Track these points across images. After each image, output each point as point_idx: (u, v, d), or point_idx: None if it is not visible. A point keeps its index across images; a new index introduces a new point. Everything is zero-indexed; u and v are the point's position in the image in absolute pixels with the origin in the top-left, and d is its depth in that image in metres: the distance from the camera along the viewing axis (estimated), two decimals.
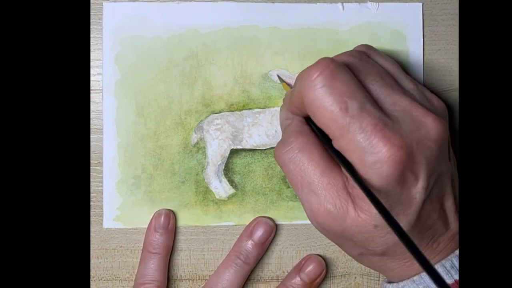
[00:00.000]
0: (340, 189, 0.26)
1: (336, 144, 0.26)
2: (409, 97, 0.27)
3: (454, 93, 0.36)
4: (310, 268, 0.34)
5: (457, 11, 0.36)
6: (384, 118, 0.25)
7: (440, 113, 0.28)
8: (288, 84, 0.34)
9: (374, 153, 0.24)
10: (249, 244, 0.34)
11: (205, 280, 0.35)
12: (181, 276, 0.35)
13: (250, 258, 0.34)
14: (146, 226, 0.35)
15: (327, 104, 0.25)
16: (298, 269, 0.34)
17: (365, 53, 0.30)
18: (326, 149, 0.28)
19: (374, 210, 0.25)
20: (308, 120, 0.29)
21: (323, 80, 0.25)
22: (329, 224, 0.27)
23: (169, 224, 0.34)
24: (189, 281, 0.35)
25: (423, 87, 0.29)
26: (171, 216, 0.34)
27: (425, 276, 0.27)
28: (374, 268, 0.30)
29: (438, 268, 0.27)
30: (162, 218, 0.34)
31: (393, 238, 0.26)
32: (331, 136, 0.26)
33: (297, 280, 0.34)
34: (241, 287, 0.34)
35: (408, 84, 0.28)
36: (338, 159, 0.26)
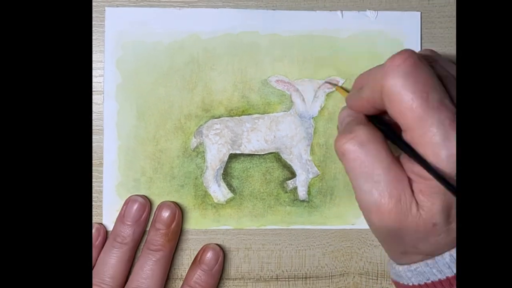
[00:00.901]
0: (406, 185, 0.26)
1: (408, 135, 0.26)
2: None
3: None
4: (208, 256, 0.34)
5: (454, 14, 0.36)
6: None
7: None
8: (340, 87, 0.35)
9: (449, 148, 0.24)
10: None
11: None
12: (181, 275, 0.36)
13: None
14: (146, 228, 0.35)
15: (409, 91, 0.25)
16: (197, 261, 0.34)
17: (432, 56, 0.30)
18: (389, 146, 0.28)
19: (436, 208, 0.26)
20: (372, 118, 0.29)
21: (407, 68, 0.25)
22: (389, 219, 0.27)
23: (141, 217, 0.34)
24: None
25: None
26: (146, 207, 0.34)
27: (439, 260, 0.27)
28: (404, 261, 0.29)
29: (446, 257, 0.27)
30: (135, 208, 0.34)
31: (445, 238, 0.27)
32: (404, 127, 0.26)
33: (199, 272, 0.34)
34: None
35: None
36: (408, 150, 0.26)
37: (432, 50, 0.32)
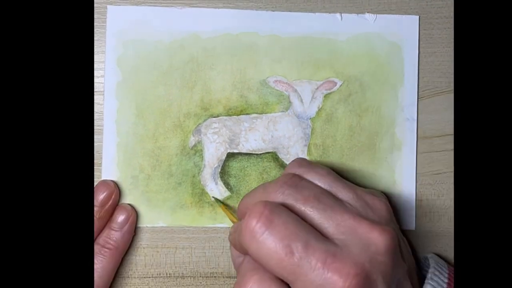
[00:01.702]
0: None
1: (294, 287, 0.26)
2: (351, 213, 0.27)
3: (449, 95, 0.36)
4: (118, 216, 0.34)
5: (452, 14, 0.37)
6: (332, 248, 0.25)
7: (383, 216, 0.29)
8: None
9: None
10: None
11: (207, 277, 0.36)
12: (182, 273, 0.36)
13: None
14: (144, 225, 0.35)
15: (272, 251, 0.25)
16: (109, 222, 0.34)
17: (297, 175, 0.30)
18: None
19: None
20: None
21: (261, 228, 0.25)
22: None
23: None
24: (190, 278, 0.36)
25: (362, 191, 0.29)
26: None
27: None
28: None
29: None
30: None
31: None
32: (285, 281, 0.26)
33: (108, 231, 0.34)
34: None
35: (346, 194, 0.29)
36: None
37: (300, 162, 0.31)
